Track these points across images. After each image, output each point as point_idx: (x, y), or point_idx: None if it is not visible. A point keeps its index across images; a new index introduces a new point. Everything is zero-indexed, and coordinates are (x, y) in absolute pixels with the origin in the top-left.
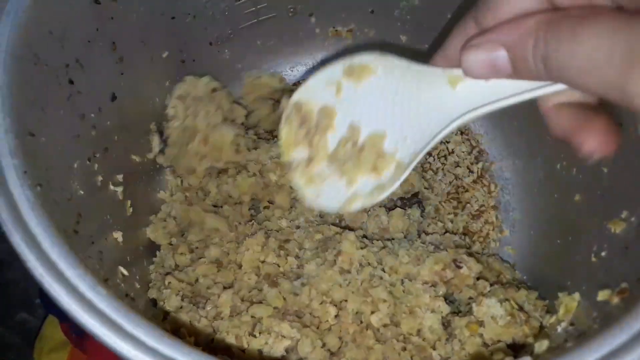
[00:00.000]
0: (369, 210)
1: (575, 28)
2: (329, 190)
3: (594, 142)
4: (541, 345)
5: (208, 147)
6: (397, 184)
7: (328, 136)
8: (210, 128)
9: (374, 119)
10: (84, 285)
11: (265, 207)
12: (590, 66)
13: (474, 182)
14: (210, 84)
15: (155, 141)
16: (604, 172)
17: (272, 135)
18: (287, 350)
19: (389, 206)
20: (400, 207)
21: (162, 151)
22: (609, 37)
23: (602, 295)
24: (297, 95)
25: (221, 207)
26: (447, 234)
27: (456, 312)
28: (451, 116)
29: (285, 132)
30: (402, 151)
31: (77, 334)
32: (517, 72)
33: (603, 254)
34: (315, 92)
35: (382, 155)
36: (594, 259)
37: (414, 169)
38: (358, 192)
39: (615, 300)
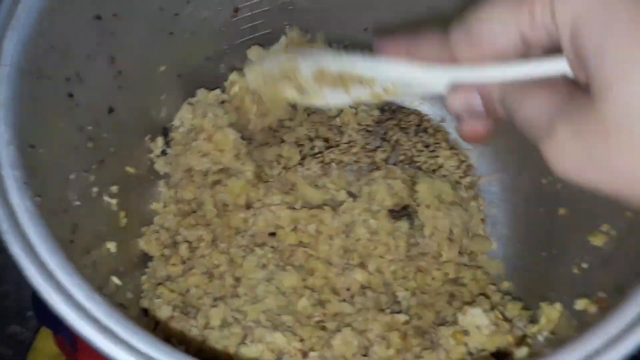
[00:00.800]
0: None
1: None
2: (333, 94)
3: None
4: (521, 352)
5: (211, 145)
6: (391, 98)
7: (300, 71)
8: (216, 128)
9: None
10: (80, 294)
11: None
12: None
13: None
14: (221, 96)
15: (158, 144)
16: None
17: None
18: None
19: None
20: (390, 219)
21: (163, 153)
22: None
23: (580, 304)
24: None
25: (213, 217)
26: None
27: (442, 323)
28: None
29: (287, 91)
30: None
31: (71, 346)
32: (488, 113)
33: (584, 265)
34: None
35: (362, 78)
36: (575, 271)
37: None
38: (359, 96)
39: (593, 309)
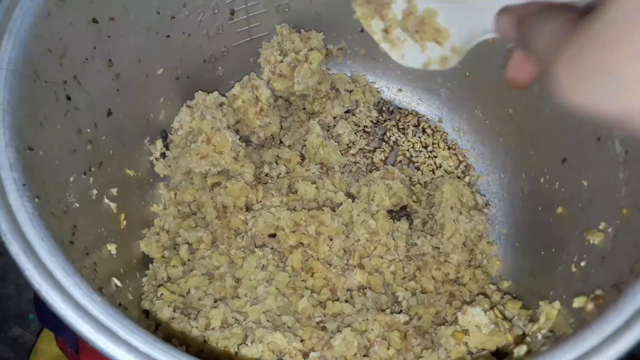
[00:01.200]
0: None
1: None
2: (410, 52)
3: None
4: (520, 350)
5: (210, 148)
6: (459, 59)
7: (392, 8)
8: (215, 131)
9: None
10: (80, 293)
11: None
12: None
13: None
14: (218, 98)
15: (157, 146)
16: (583, 185)
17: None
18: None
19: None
20: (389, 219)
21: (163, 155)
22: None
23: (577, 302)
24: None
25: (213, 219)
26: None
27: (442, 323)
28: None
29: (357, 9)
30: (455, 31)
31: (73, 348)
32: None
33: (582, 263)
34: None
35: (439, 30)
36: (574, 269)
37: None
38: (430, 58)
39: (590, 306)
